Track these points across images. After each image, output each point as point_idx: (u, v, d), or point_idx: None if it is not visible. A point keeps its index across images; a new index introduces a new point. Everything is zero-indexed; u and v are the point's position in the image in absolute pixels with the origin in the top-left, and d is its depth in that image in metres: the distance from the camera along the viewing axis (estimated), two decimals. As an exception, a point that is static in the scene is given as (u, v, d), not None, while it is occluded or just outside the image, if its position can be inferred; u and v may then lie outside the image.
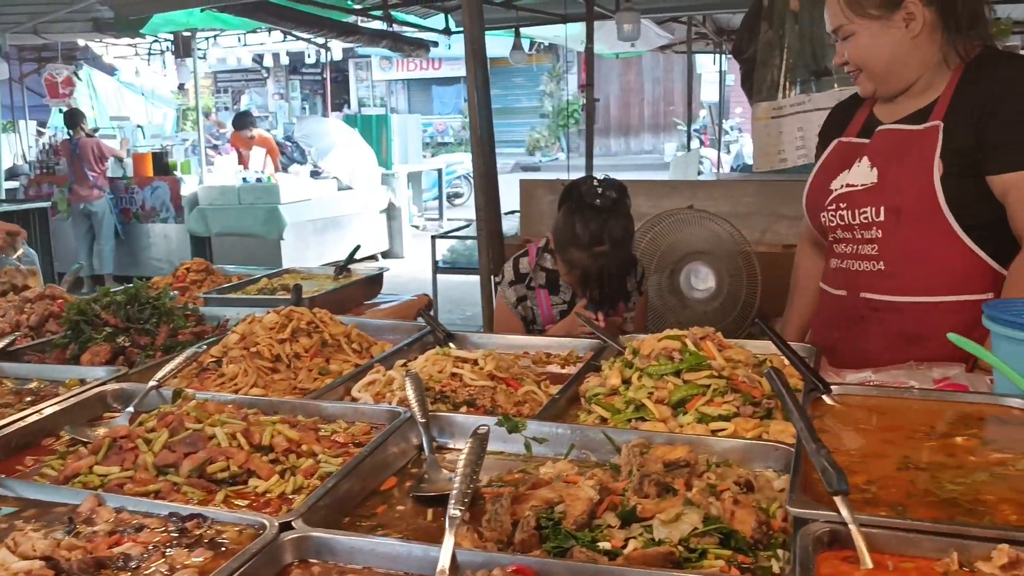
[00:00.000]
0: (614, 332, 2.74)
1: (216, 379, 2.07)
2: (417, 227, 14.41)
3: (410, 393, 1.75)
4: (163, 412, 1.67)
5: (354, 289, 3.21)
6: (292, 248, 10.62)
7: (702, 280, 3.62)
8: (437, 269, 6.82)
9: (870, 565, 1.13)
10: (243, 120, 12.34)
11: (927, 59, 2.19)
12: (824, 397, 1.71)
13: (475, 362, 1.96)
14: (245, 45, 13.99)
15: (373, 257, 12.27)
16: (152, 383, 1.92)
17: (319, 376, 2.12)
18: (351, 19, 8.26)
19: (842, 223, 2.31)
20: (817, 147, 2.56)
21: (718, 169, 13.25)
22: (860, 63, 2.22)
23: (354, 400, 1.98)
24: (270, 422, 1.67)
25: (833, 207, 2.32)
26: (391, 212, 12.64)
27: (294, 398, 1.97)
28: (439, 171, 15.76)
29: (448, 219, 14.89)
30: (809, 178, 2.46)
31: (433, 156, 18.68)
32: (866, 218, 2.24)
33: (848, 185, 2.28)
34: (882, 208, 2.20)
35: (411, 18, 8.32)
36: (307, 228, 11.06)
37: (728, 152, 17.53)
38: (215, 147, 15.25)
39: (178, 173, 11.22)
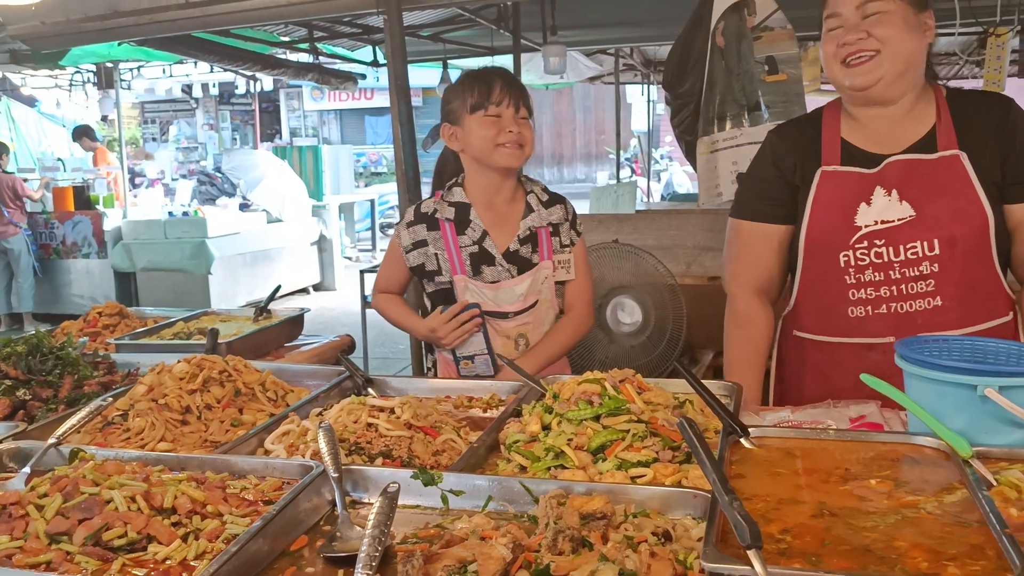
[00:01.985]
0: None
1: (121, 434, 1.97)
2: (350, 258, 14.29)
3: (323, 447, 1.69)
4: (57, 475, 1.58)
5: (274, 331, 3.12)
6: (221, 283, 10.43)
7: (628, 314, 3.62)
8: (366, 304, 6.72)
9: (783, 621, 1.11)
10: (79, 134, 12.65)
11: (921, 77, 2.20)
12: (742, 440, 1.70)
13: (392, 411, 1.91)
14: (171, 76, 13.77)
15: (304, 290, 12.12)
16: (51, 440, 1.81)
17: (231, 428, 2.04)
18: (279, 52, 8.19)
19: (877, 261, 2.19)
20: (758, 178, 2.42)
21: (648, 198, 13.42)
22: (885, 45, 2.10)
23: (267, 452, 1.91)
24: (174, 481, 1.60)
25: (865, 245, 2.20)
26: (322, 244, 12.54)
27: (204, 452, 1.89)
28: (372, 201, 15.67)
29: (381, 250, 14.80)
30: (805, 217, 2.27)
31: (366, 186, 18.57)
32: (915, 253, 2.16)
33: (883, 221, 2.17)
34: (935, 240, 2.14)
35: (339, 50, 8.27)
36: (236, 262, 10.87)
37: (659, 181, 17.79)
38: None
39: (100, 207, 10.93)
